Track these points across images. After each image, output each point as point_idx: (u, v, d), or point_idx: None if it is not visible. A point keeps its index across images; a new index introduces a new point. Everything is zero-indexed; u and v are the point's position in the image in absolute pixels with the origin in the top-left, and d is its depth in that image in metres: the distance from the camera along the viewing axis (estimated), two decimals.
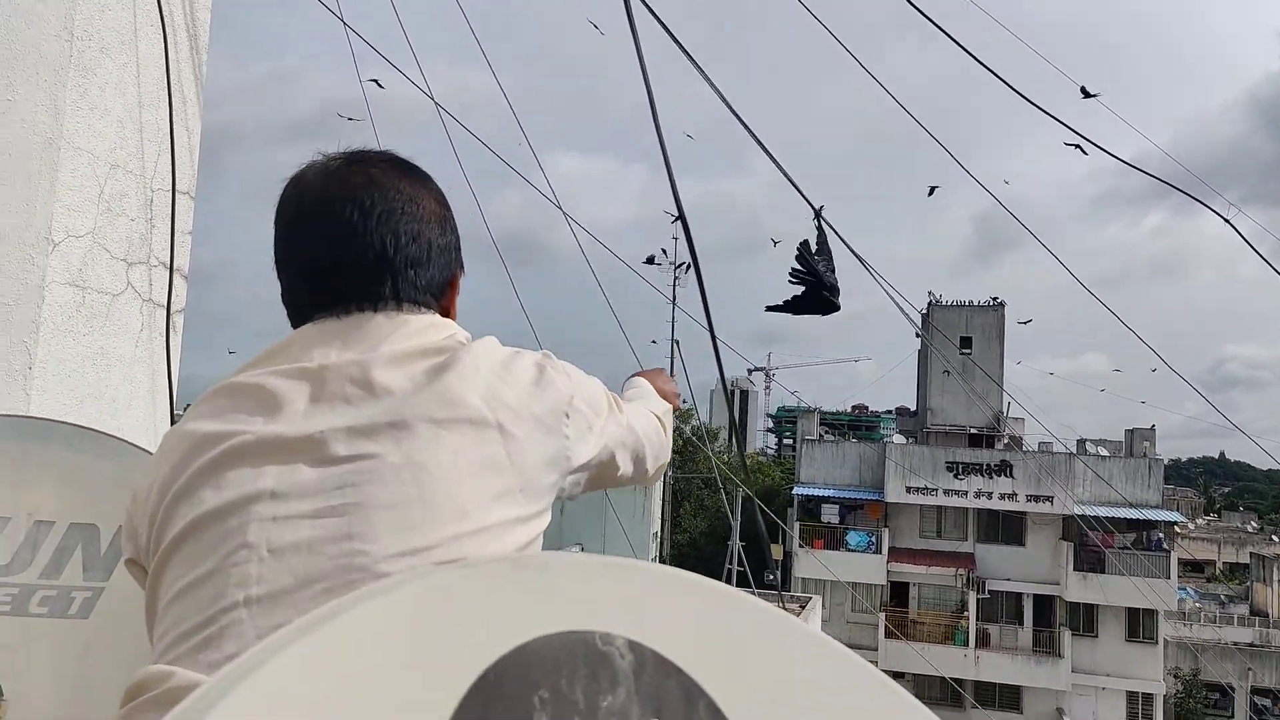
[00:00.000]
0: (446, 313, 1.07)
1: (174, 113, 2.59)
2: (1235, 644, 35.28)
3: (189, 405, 1.00)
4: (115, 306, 2.47)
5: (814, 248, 5.10)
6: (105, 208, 2.42)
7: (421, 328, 0.98)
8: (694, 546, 35.99)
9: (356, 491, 0.84)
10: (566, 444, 0.96)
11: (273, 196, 1.04)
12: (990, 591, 30.76)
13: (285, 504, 0.85)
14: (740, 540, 20.66)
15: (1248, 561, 47.69)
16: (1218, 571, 53.38)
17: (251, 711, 0.41)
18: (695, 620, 0.50)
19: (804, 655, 0.50)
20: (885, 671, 0.52)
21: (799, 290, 4.97)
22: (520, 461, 0.90)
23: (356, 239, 0.98)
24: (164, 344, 2.64)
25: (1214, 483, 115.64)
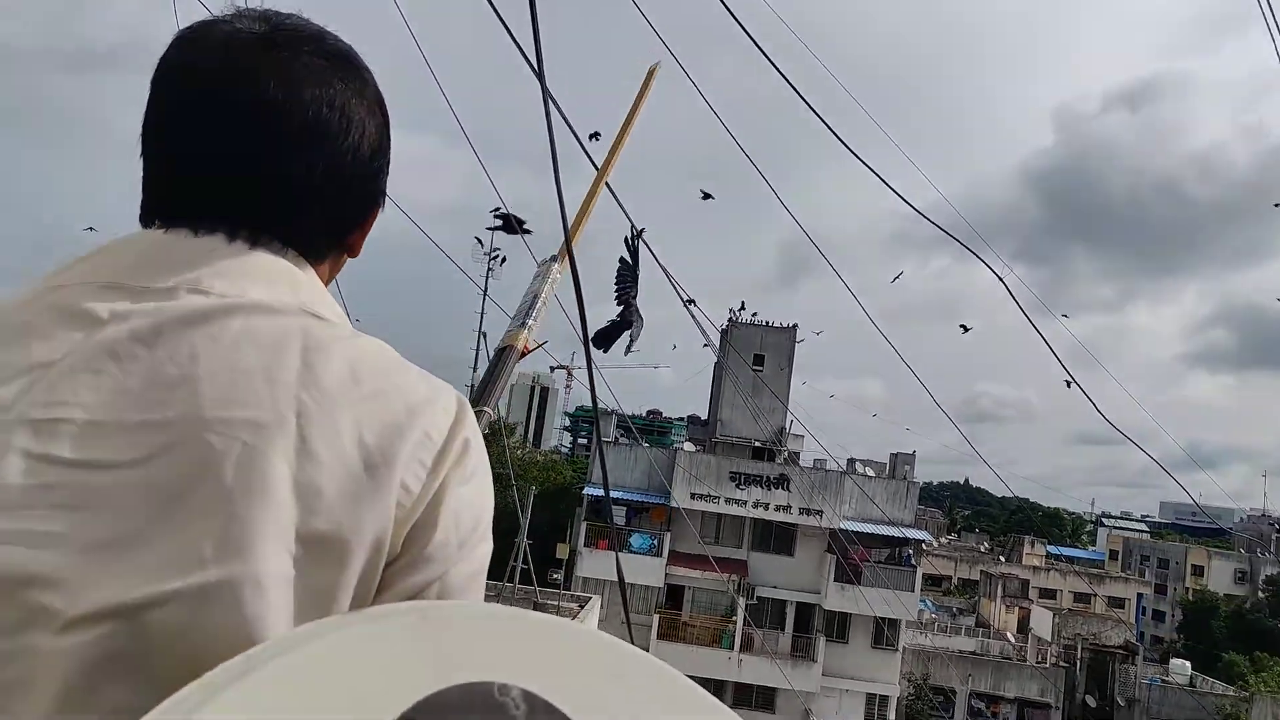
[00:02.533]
0: (348, 250, 0.88)
1: None
2: (960, 652, 39.11)
3: None
4: None
5: (629, 262, 5.30)
6: None
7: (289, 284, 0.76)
8: None
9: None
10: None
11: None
12: (758, 597, 32.42)
13: None
14: (527, 539, 20.75)
15: (978, 578, 53.03)
16: (953, 586, 58.87)
17: None
18: (581, 669, 0.53)
19: (675, 703, 0.54)
20: None
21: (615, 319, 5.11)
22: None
23: (256, 157, 0.76)
24: None
25: (958, 505, 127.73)
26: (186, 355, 0.67)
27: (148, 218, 0.78)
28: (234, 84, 0.75)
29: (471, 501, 0.73)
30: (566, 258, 1.66)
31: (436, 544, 0.70)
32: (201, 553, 0.61)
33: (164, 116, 0.78)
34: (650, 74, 1.96)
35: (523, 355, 1.49)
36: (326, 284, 0.84)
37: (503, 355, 1.45)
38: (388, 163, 0.86)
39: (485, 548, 0.75)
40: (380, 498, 0.67)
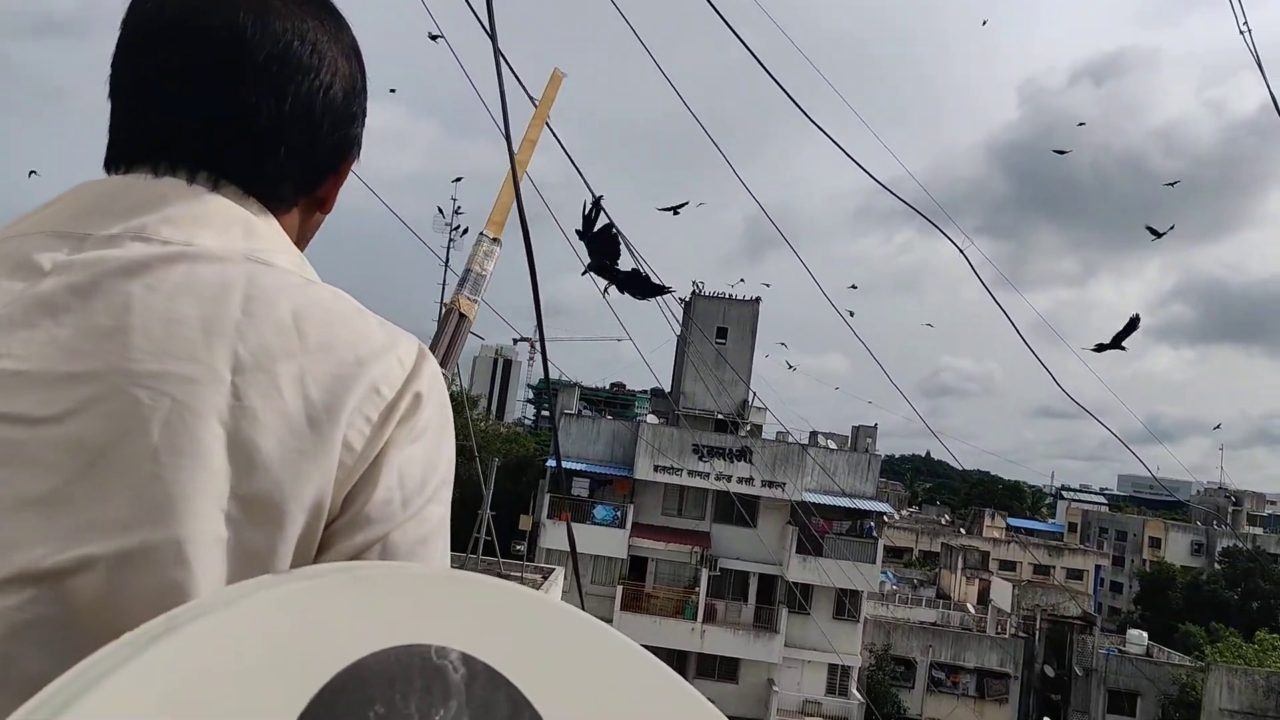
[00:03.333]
0: (320, 205, 0.84)
1: None
2: (921, 623, 39.62)
3: None
4: None
5: (585, 227, 5.14)
6: None
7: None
8: None
9: None
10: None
11: None
12: (721, 569, 32.54)
13: None
14: (490, 510, 20.54)
15: (939, 551, 53.72)
16: (914, 558, 59.63)
17: None
18: (524, 633, 0.51)
19: (621, 666, 0.52)
20: None
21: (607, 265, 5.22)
22: None
23: (223, 90, 0.73)
24: None
25: (919, 478, 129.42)
26: (120, 306, 0.63)
27: (113, 162, 0.75)
28: (204, 13, 0.73)
29: (419, 460, 0.69)
30: (499, 239, 1.59)
31: (376, 503, 0.66)
32: (121, 515, 0.58)
33: (132, 49, 0.75)
34: (553, 80, 1.86)
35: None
36: (299, 241, 0.80)
37: (460, 321, 1.37)
38: (363, 111, 0.83)
39: (435, 510, 0.70)
40: (322, 456, 0.63)
